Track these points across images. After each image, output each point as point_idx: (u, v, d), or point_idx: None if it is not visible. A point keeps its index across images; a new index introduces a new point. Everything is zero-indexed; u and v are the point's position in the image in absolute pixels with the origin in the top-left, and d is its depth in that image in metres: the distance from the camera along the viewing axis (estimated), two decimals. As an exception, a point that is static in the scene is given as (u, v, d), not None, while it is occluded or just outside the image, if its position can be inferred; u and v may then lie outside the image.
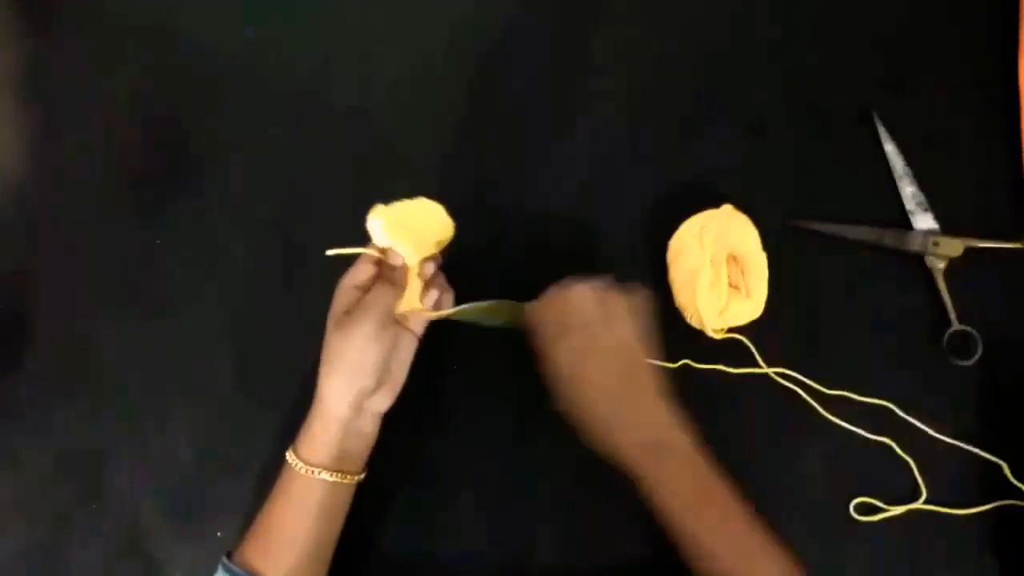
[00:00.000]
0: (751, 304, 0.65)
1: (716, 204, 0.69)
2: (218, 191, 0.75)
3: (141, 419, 0.71)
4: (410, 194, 0.71)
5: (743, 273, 0.65)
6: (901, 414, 0.65)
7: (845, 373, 0.66)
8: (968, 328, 0.65)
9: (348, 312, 0.58)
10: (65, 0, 0.81)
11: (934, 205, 0.67)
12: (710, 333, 0.65)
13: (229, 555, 0.59)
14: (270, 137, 0.76)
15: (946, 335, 0.65)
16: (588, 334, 0.58)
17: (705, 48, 0.74)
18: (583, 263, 0.67)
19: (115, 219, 0.75)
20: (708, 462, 0.56)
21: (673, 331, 0.65)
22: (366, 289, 0.60)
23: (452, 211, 0.64)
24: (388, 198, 0.72)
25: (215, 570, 0.59)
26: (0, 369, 0.73)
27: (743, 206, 0.69)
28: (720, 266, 0.65)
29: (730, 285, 0.65)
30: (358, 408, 0.59)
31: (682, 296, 0.65)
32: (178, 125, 0.77)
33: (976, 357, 0.64)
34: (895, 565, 0.63)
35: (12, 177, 0.77)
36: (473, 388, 0.69)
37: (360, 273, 0.60)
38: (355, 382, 0.58)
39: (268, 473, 0.61)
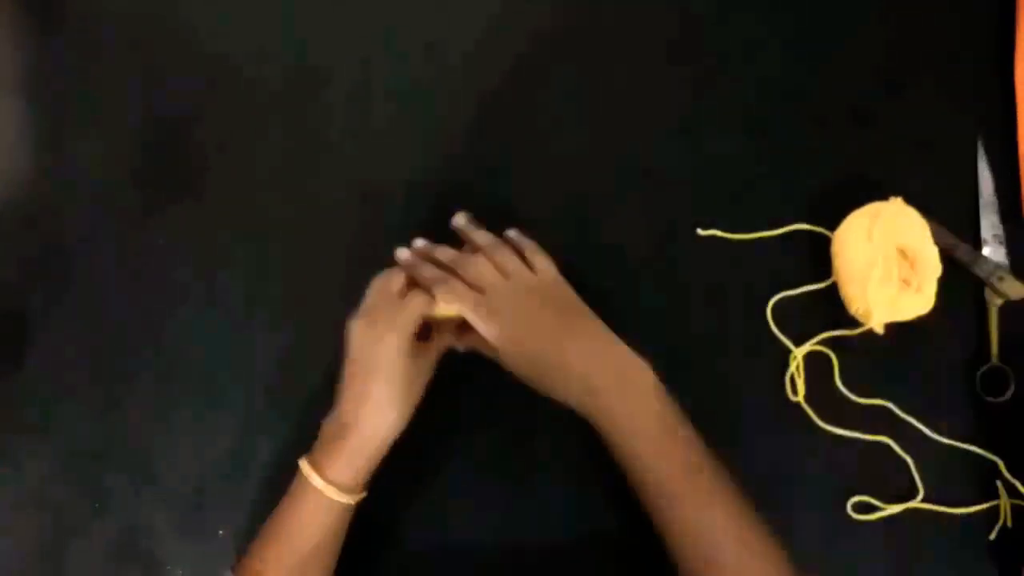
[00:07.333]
0: (922, 299, 0.64)
1: (718, 203, 0.70)
2: (219, 191, 0.75)
3: (141, 418, 0.71)
4: (409, 194, 0.72)
5: (913, 267, 0.64)
6: (899, 413, 0.65)
7: (847, 371, 0.66)
8: (1004, 366, 0.64)
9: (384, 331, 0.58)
10: (65, 0, 0.81)
11: (1009, 241, 0.67)
12: (875, 327, 0.64)
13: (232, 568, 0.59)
14: (271, 136, 0.75)
15: (980, 371, 0.65)
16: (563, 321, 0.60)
17: (706, 47, 0.74)
18: (589, 267, 0.67)
19: (115, 219, 0.75)
20: (672, 404, 0.57)
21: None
22: (401, 295, 0.60)
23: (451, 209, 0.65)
24: (389, 196, 0.73)
25: (216, 570, 0.59)
26: (0, 369, 0.73)
27: (743, 205, 0.69)
28: (891, 260, 0.64)
29: (900, 279, 0.64)
30: (400, 430, 0.59)
31: (849, 288, 0.65)
32: (178, 125, 0.77)
33: (1008, 395, 0.64)
34: (893, 564, 0.64)
35: (12, 177, 0.77)
36: (473, 386, 0.68)
37: (395, 281, 0.60)
38: (403, 410, 0.58)
39: (269, 473, 0.61)
